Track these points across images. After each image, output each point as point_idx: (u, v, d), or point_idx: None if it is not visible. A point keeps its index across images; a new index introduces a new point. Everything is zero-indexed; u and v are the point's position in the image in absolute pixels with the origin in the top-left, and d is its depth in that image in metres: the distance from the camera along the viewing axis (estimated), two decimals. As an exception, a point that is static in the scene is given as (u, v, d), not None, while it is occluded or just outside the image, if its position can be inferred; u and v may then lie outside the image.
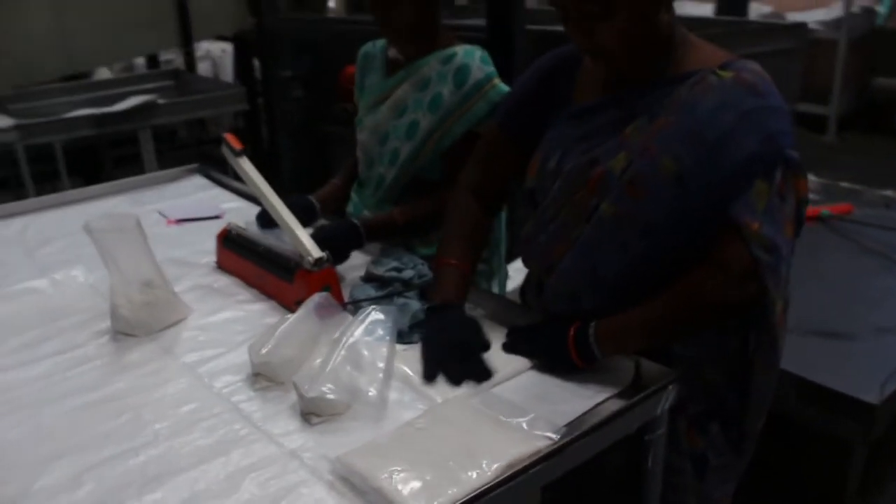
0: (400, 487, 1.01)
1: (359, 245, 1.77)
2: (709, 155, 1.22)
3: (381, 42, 1.96)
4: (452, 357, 1.33)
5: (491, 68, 1.78)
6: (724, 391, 1.40)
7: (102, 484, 1.10)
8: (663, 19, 1.25)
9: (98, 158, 5.14)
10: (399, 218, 1.82)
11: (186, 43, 5.72)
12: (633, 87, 1.33)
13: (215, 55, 7.49)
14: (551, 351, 1.32)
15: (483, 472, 1.03)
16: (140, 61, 6.58)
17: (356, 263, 1.77)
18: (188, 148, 5.72)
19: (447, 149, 1.80)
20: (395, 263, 1.67)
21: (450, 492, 1.00)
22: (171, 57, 6.80)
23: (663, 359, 1.31)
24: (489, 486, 1.02)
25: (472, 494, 1.00)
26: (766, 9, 6.94)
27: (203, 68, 6.95)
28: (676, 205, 1.25)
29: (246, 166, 1.71)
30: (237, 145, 1.72)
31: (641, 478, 1.29)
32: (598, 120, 1.37)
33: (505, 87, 1.76)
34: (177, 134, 6.17)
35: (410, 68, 1.82)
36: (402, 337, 1.45)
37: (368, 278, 1.67)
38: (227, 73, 7.06)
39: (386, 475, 1.03)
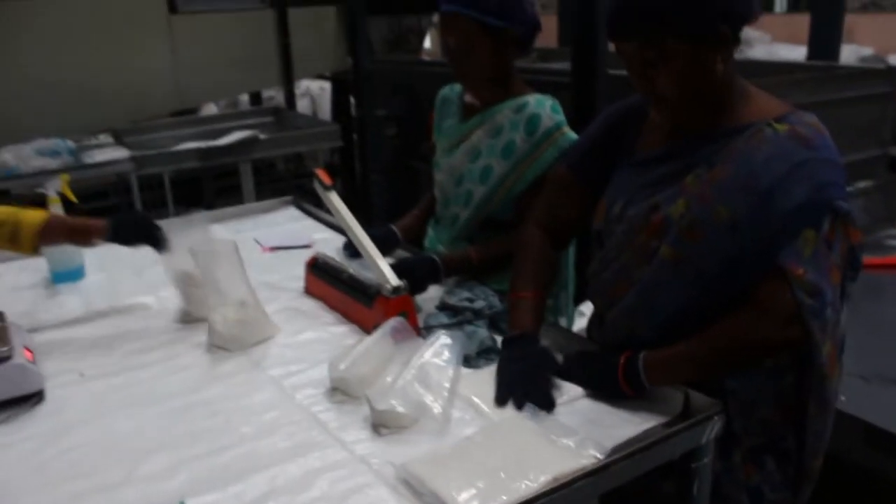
0: (455, 493, 1.12)
1: (437, 280, 1.88)
2: (760, 204, 1.29)
3: (458, 87, 2.10)
4: (522, 384, 1.43)
5: (560, 117, 1.89)
6: (780, 429, 1.45)
7: (194, 475, 1.25)
8: (719, 68, 1.33)
9: (200, 189, 5.47)
10: (475, 257, 1.93)
11: (287, 81, 6.03)
12: (693, 137, 1.42)
13: (314, 93, 7.85)
14: (602, 378, 1.41)
15: (531, 483, 1.13)
16: (244, 97, 6.94)
17: (432, 295, 1.89)
18: (285, 181, 6.00)
19: (519, 193, 1.91)
20: (467, 294, 1.79)
21: (500, 499, 1.10)
22: (272, 94, 7.16)
23: (717, 393, 1.38)
24: (535, 496, 1.11)
25: (519, 502, 1.09)
26: (867, 51, 6.82)
27: (302, 105, 7.29)
28: (729, 250, 1.32)
29: (334, 200, 1.86)
30: (327, 181, 1.88)
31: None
32: (660, 169, 1.46)
33: (573, 135, 1.87)
34: (275, 167, 6.48)
35: (485, 114, 1.95)
36: (468, 361, 1.56)
37: (442, 307, 1.79)
38: (325, 111, 7.37)
39: (443, 481, 1.14)
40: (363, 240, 1.80)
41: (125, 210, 1.71)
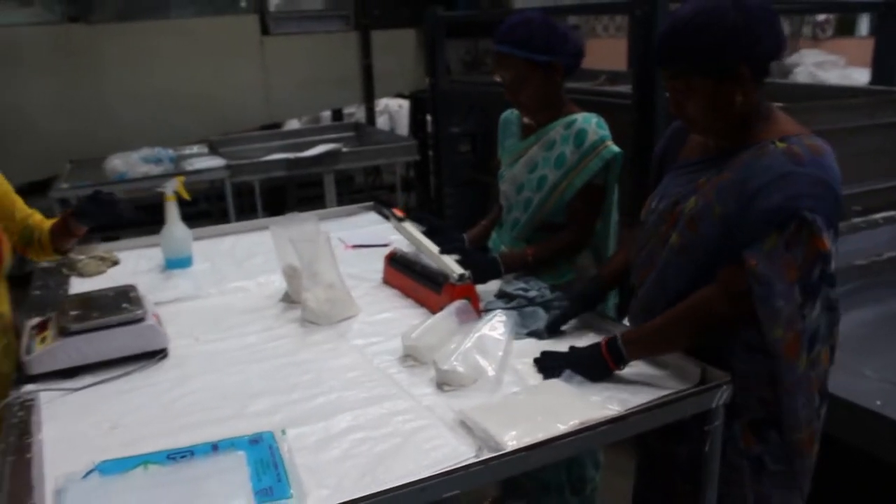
0: (501, 430, 1.38)
1: (497, 274, 2.14)
2: (745, 204, 1.51)
3: (517, 111, 2.37)
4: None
5: (605, 132, 2.14)
6: (775, 405, 1.62)
7: (291, 414, 1.54)
8: (738, 100, 1.55)
9: (285, 197, 5.84)
10: (530, 255, 2.18)
11: (368, 99, 6.40)
12: (721, 151, 1.65)
13: (392, 110, 8.20)
14: (590, 362, 1.65)
15: (561, 425, 1.39)
16: (325, 113, 7.34)
17: (493, 287, 2.14)
18: (363, 192, 6.35)
19: (569, 199, 2.17)
20: (522, 285, 2.05)
21: (537, 436, 1.36)
22: (353, 111, 7.56)
23: (725, 370, 1.60)
24: (564, 434, 1.38)
25: (550, 437, 1.36)
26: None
27: (381, 122, 7.66)
28: (719, 241, 1.55)
29: (408, 227, 2.18)
30: (400, 214, 2.23)
31: (702, 462, 1.59)
32: (692, 175, 1.70)
33: (616, 148, 2.12)
34: (353, 180, 6.84)
35: (540, 132, 2.22)
36: (536, 334, 1.85)
37: (500, 294, 2.05)
38: (402, 127, 7.72)
39: (492, 422, 1.40)
40: (433, 251, 2.09)
41: (91, 193, 1.99)
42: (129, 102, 5.47)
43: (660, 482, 1.79)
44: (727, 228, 1.54)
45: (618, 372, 1.64)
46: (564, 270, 2.21)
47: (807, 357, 1.53)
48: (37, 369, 1.71)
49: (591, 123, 2.14)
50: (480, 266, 2.07)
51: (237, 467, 1.29)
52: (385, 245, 2.67)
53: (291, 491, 1.24)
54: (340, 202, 5.02)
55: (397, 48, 6.31)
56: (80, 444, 1.45)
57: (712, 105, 1.56)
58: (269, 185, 5.69)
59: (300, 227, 2.09)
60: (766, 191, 1.48)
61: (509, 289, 2.04)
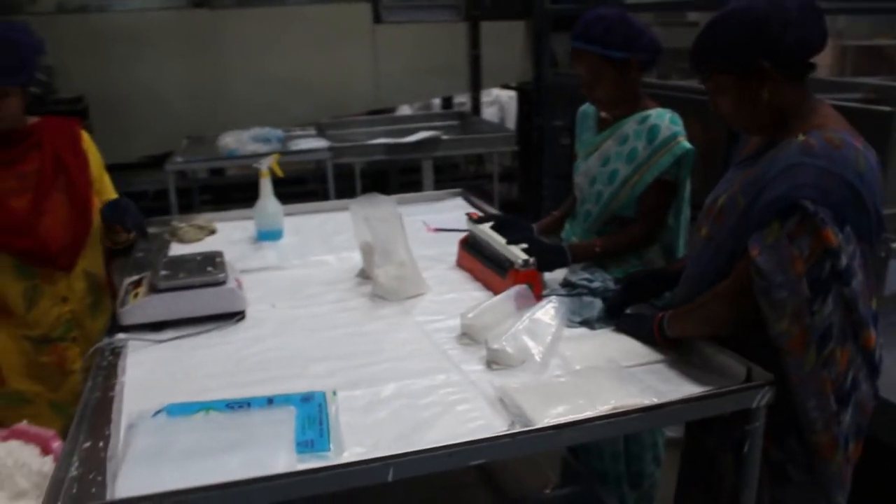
0: (534, 407, 1.44)
1: (564, 263, 2.19)
2: (756, 195, 1.53)
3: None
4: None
5: (678, 128, 2.15)
6: (791, 407, 1.59)
7: (348, 377, 1.65)
8: (764, 97, 1.55)
9: (387, 181, 6.02)
10: (599, 247, 2.22)
11: (475, 89, 6.49)
12: (764, 147, 1.66)
13: (503, 101, 8.25)
14: (642, 330, 1.79)
15: (598, 409, 1.44)
16: (436, 101, 7.48)
17: (558, 277, 2.20)
18: (464, 181, 6.44)
19: (640, 193, 2.20)
20: (587, 275, 2.10)
21: (570, 417, 1.42)
22: (463, 100, 7.66)
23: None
24: (597, 416, 1.43)
25: (581, 418, 1.42)
26: None
27: (491, 112, 7.73)
28: (739, 231, 1.57)
29: (483, 228, 2.28)
30: (475, 216, 2.37)
31: (741, 463, 1.60)
32: (738, 173, 1.71)
33: (688, 145, 2.13)
34: (458, 167, 6.96)
35: (614, 127, 2.25)
36: (588, 324, 1.90)
37: (565, 283, 2.10)
38: (512, 118, 7.77)
39: (529, 402, 1.47)
40: (500, 241, 2.17)
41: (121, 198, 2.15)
42: (245, 84, 5.77)
43: (700, 478, 1.81)
44: (744, 219, 1.56)
45: (664, 366, 1.68)
46: (632, 264, 2.24)
47: (816, 354, 1.50)
48: (127, 321, 1.89)
49: (664, 119, 2.16)
50: (546, 254, 2.13)
51: (286, 420, 1.41)
52: (465, 231, 2.76)
53: (330, 445, 1.35)
54: (440, 189, 5.12)
55: (506, 40, 6.36)
56: (155, 389, 1.62)
57: (738, 101, 1.59)
58: (372, 169, 5.88)
59: (376, 207, 2.20)
60: (773, 181, 1.50)
61: (574, 278, 2.09)
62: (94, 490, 1.26)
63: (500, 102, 8.31)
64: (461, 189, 3.36)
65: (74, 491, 1.26)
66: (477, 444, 1.36)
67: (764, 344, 1.55)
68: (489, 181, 6.69)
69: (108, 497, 1.23)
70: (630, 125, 2.21)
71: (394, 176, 5.94)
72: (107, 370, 1.71)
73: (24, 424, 1.70)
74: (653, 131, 2.15)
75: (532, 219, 2.22)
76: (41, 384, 2.15)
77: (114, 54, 5.51)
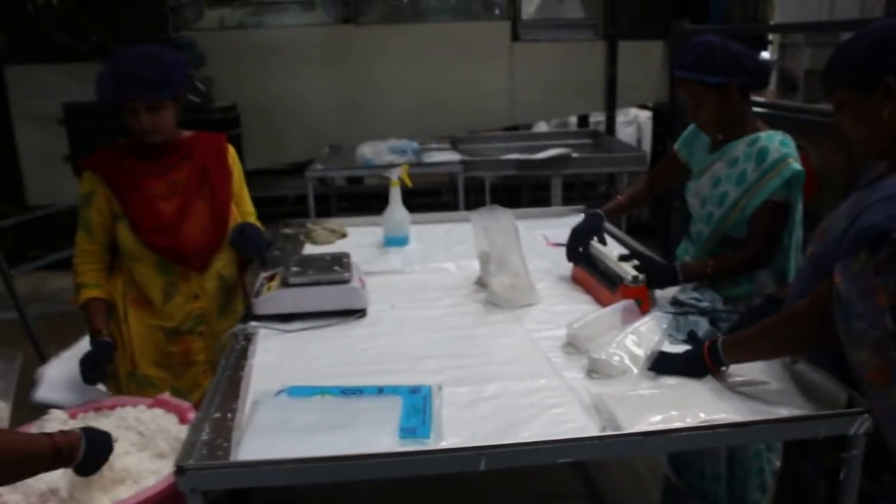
0: (625, 414, 1.51)
1: (675, 282, 2.22)
2: (856, 218, 1.51)
3: None
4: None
5: (788, 150, 2.14)
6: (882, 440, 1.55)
7: (454, 375, 1.77)
8: (885, 113, 1.53)
9: (518, 197, 6.12)
10: (710, 267, 2.24)
11: (610, 108, 6.50)
12: (885, 171, 1.62)
13: (641, 121, 8.16)
14: (691, 365, 1.73)
15: (687, 421, 1.49)
16: (573, 119, 7.53)
17: (669, 295, 2.23)
18: (592, 199, 6.45)
19: (750, 215, 2.20)
20: (696, 295, 2.13)
21: (660, 426, 1.48)
22: (601, 118, 7.65)
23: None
24: (683, 428, 1.48)
25: (668, 428, 1.48)
26: None
27: (628, 132, 7.66)
28: (837, 252, 1.54)
29: (598, 247, 2.38)
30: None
31: (836, 492, 1.59)
32: (859, 194, 1.69)
33: (798, 166, 2.12)
34: (593, 186, 6.96)
35: (725, 149, 2.26)
36: (694, 341, 1.90)
37: (674, 302, 2.14)
38: (648, 139, 7.70)
39: (621, 407, 1.53)
40: (613, 257, 2.24)
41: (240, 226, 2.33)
42: (385, 97, 6.04)
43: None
44: (841, 243, 1.55)
45: (763, 387, 1.68)
46: (744, 285, 2.24)
47: None
48: (260, 310, 2.08)
49: (774, 141, 2.16)
50: (657, 271, 2.17)
51: (393, 408, 1.54)
52: (583, 246, 2.83)
53: (431, 433, 1.46)
54: (568, 206, 5.19)
55: (643, 59, 6.35)
56: (279, 372, 1.79)
57: (860, 119, 1.58)
58: (505, 184, 6.00)
59: (496, 219, 2.31)
60: (870, 208, 1.49)
61: (683, 297, 2.12)
62: (219, 453, 1.43)
63: (637, 122, 8.23)
64: (582, 206, 3.41)
65: (204, 452, 1.43)
66: (564, 444, 1.44)
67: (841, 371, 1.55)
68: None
69: (232, 459, 1.40)
70: (740, 147, 2.22)
71: (525, 191, 6.04)
72: (239, 353, 1.90)
73: (166, 395, 1.92)
74: (762, 153, 2.15)
75: (661, 243, 2.25)
76: (167, 371, 2.35)
77: (266, 67, 5.92)
